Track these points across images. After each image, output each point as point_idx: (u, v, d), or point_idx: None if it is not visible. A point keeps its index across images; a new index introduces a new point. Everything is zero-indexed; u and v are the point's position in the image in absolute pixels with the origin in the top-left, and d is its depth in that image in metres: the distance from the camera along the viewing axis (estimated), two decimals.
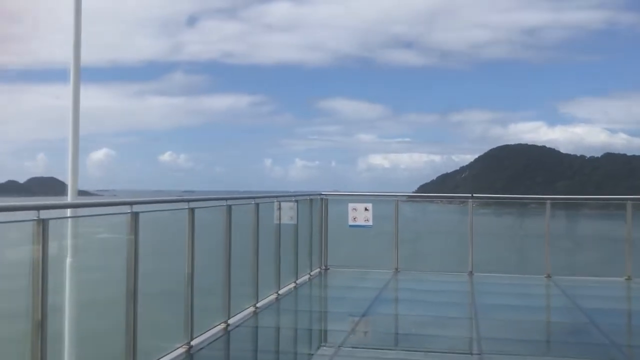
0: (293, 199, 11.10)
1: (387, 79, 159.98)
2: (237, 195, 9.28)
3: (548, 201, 12.34)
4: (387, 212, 13.01)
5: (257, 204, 9.13)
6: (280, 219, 10.23)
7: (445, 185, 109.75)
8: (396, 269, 12.54)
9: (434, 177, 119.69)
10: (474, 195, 12.57)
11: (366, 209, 12.47)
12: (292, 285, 10.85)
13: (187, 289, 6.89)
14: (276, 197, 10.27)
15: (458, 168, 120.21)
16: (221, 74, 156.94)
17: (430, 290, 11.54)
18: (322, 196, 12.73)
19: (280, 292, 10.07)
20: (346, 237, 13.31)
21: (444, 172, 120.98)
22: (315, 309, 10.33)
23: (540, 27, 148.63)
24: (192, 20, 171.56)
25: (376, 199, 13.16)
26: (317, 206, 12.60)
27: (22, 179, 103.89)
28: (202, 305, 7.51)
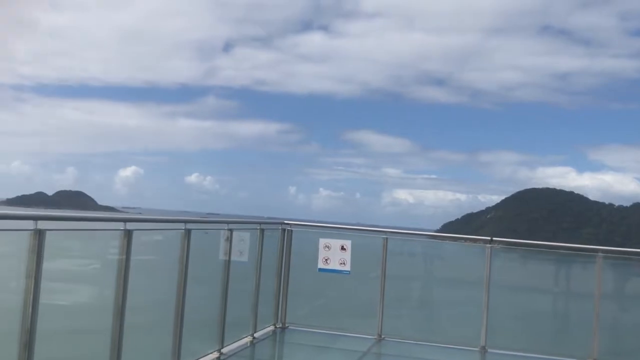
0: (227, 227, 7.28)
1: (416, 114, 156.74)
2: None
3: (600, 254, 8.33)
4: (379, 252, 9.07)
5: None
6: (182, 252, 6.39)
7: (470, 225, 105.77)
8: (379, 335, 8.59)
9: (459, 216, 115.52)
10: (494, 239, 8.62)
11: (343, 248, 8.60)
12: (215, 354, 7.02)
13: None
14: (184, 222, 6.35)
15: (484, 208, 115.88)
16: (252, 101, 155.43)
17: None
18: (283, 226, 8.90)
19: None
20: (320, 284, 9.41)
21: (469, 211, 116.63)
22: None
23: (573, 73, 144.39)
24: (227, 47, 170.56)
25: (359, 235, 9.27)
26: (274, 239, 8.77)
27: (50, 191, 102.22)
28: None
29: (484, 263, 8.59)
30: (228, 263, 7.21)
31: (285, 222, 8.90)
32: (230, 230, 7.21)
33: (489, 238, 8.52)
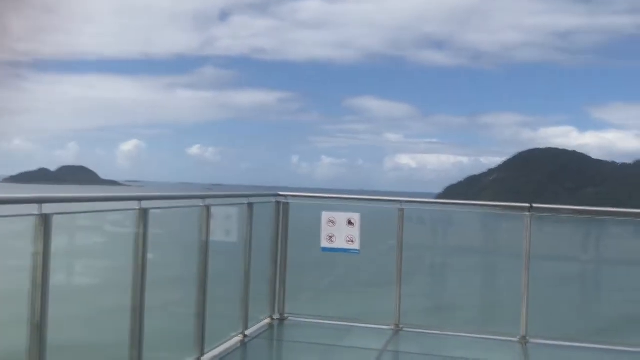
0: (202, 202, 5.61)
1: (417, 78, 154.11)
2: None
3: None
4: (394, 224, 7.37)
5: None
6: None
7: (472, 187, 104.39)
8: (397, 325, 7.00)
9: (462, 179, 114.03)
10: (534, 205, 6.96)
11: (351, 223, 6.99)
12: None
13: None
14: (138, 199, 4.66)
15: (486, 170, 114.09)
16: (251, 70, 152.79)
17: None
18: (278, 198, 7.26)
19: None
20: (325, 266, 7.79)
21: (472, 174, 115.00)
22: None
23: (574, 31, 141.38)
24: (223, 15, 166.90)
25: (368, 207, 7.60)
26: (268, 214, 7.14)
27: (53, 167, 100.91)
28: None
29: (521, 235, 6.95)
30: (206, 246, 5.58)
31: (280, 193, 7.26)
32: (207, 206, 5.57)
33: (528, 205, 6.86)
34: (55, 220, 3.82)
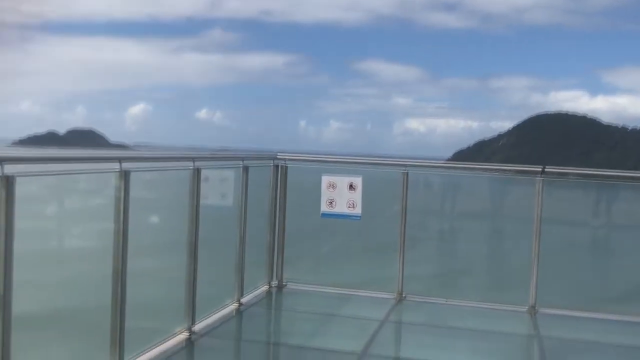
0: (192, 164, 5.26)
1: (426, 41, 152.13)
2: None
3: None
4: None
5: None
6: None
7: (482, 152, 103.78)
8: (400, 293, 6.68)
9: (471, 144, 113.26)
10: (546, 169, 6.55)
11: (352, 187, 6.63)
12: (184, 335, 5.15)
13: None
14: (119, 159, 4.30)
15: (496, 135, 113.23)
16: (258, 32, 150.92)
17: (456, 348, 5.63)
18: (276, 161, 6.89)
19: None
20: (325, 230, 7.44)
21: (481, 138, 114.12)
22: None
23: None
24: None
25: (371, 170, 7.20)
26: (264, 177, 6.79)
27: (61, 130, 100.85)
28: None
29: (531, 200, 6.57)
30: (196, 211, 5.24)
31: (279, 155, 6.89)
32: (198, 169, 5.21)
33: (539, 168, 6.46)
34: (46, 182, 3.53)
